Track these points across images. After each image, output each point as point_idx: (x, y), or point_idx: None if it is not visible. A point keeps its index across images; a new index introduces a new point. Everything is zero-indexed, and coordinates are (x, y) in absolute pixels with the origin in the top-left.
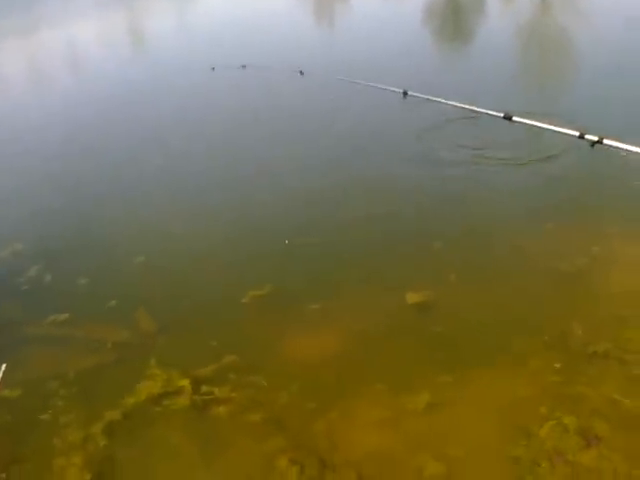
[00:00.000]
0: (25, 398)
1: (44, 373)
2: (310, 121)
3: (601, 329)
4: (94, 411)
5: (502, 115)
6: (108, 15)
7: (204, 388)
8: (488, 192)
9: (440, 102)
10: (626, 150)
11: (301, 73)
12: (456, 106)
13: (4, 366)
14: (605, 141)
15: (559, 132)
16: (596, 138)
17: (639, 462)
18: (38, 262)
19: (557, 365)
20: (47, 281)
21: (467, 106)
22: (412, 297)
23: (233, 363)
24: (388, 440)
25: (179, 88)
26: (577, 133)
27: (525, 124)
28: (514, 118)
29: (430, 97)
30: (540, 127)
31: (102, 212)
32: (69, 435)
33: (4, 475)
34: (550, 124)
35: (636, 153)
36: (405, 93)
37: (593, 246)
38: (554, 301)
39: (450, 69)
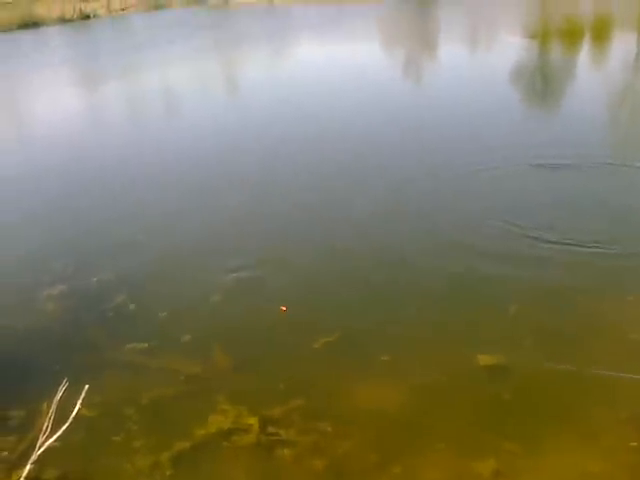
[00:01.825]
0: (101, 419)
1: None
2: None
3: None
4: (164, 439)
5: None
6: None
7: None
8: None
9: None
10: None
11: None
12: None
13: (87, 387)
14: None
15: None
16: None
17: None
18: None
19: (634, 444)
20: None
21: None
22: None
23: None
24: None
25: None
26: None
27: None
28: None
29: None
30: None
31: None
32: (138, 460)
33: None
34: None
35: None
36: None
37: None
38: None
39: None
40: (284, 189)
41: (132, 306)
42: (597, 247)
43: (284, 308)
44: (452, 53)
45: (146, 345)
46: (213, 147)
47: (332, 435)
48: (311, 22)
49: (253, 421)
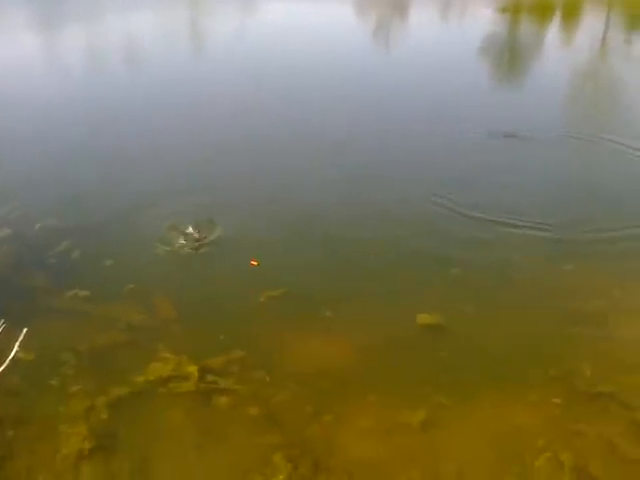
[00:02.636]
0: (38, 363)
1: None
2: None
3: (609, 372)
4: (102, 385)
5: None
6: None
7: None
8: None
9: None
10: None
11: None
12: None
13: (25, 330)
14: None
15: None
16: None
17: None
18: None
19: (557, 400)
20: None
21: None
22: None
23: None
24: (381, 451)
25: None
26: None
27: None
28: None
29: None
30: None
31: None
32: (74, 404)
33: (12, 433)
34: None
35: None
36: None
37: None
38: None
39: None
40: (231, 153)
41: (76, 253)
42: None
43: (255, 263)
44: (423, 23)
45: (88, 293)
46: (169, 99)
47: (270, 385)
48: None
49: (193, 369)
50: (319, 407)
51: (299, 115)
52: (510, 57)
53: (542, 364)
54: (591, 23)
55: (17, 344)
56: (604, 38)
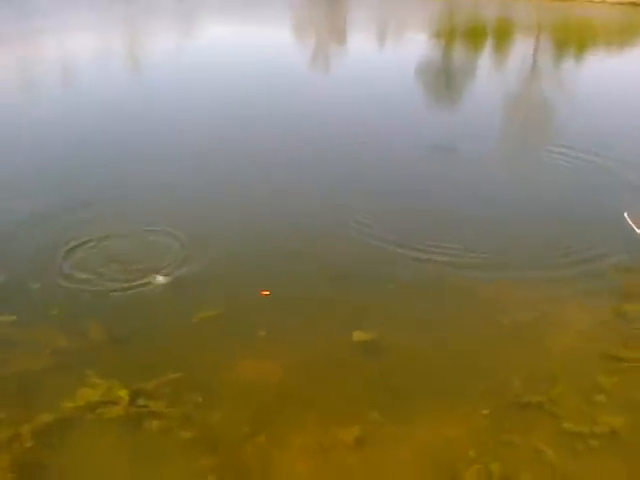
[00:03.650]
0: None
1: None
2: None
3: (537, 383)
4: (27, 412)
5: None
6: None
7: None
8: None
9: None
10: None
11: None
12: None
13: None
14: None
15: None
16: None
17: None
18: None
19: (485, 412)
20: None
21: None
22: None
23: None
24: (316, 470)
25: None
26: None
27: None
28: None
29: None
30: None
31: None
32: None
33: None
34: None
35: None
36: None
37: None
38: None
39: None
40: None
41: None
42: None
43: (266, 292)
44: (360, 48)
45: (14, 317)
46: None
47: (203, 406)
48: (223, 3)
49: (123, 394)
50: (254, 427)
51: (232, 139)
52: (446, 80)
53: (473, 377)
54: (521, 48)
55: None
56: (534, 62)
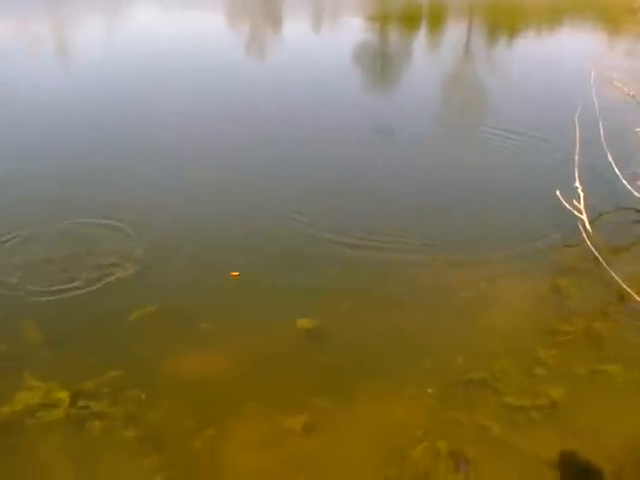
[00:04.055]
0: None
1: None
2: None
3: (479, 359)
4: None
5: None
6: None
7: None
8: None
9: None
10: None
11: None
12: None
13: None
14: None
15: None
16: None
17: None
18: None
19: (430, 390)
20: None
21: None
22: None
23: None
24: (267, 460)
25: None
26: None
27: None
28: None
29: None
30: None
31: None
32: None
33: None
34: None
35: None
36: None
37: None
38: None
39: None
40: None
41: None
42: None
43: (235, 274)
44: (296, 32)
45: None
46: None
47: (146, 404)
48: None
49: (63, 395)
50: (200, 422)
51: (166, 127)
52: (382, 63)
53: (417, 357)
54: (455, 31)
55: None
56: (467, 44)
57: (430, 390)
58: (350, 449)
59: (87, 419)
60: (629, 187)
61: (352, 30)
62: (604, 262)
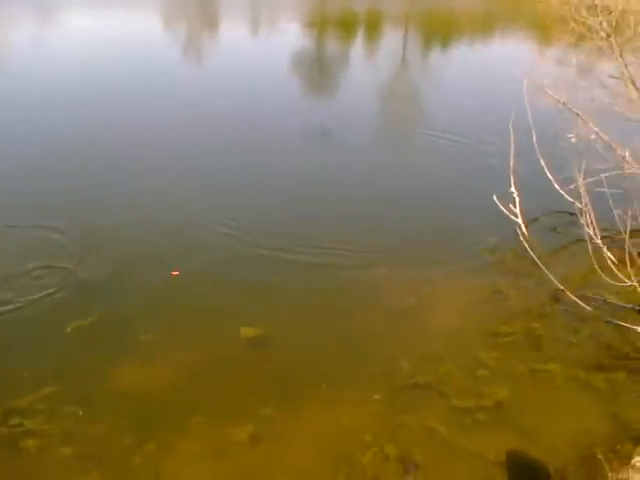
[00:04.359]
0: None
1: None
2: None
3: (424, 363)
4: None
5: None
6: None
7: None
8: None
9: None
10: None
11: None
12: None
13: None
14: None
15: None
16: None
17: None
18: None
19: (377, 396)
20: None
21: None
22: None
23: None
24: (212, 473)
25: None
26: None
27: None
28: None
29: None
30: None
31: None
32: None
33: None
34: None
35: None
36: None
37: None
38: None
39: None
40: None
41: None
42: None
43: (176, 273)
44: (233, 37)
45: None
46: None
47: (83, 420)
48: None
49: None
50: (140, 437)
51: (96, 136)
52: (319, 69)
53: (362, 363)
54: (392, 38)
55: None
56: (403, 52)
57: (377, 396)
58: (298, 458)
59: (21, 438)
60: (561, 192)
61: (289, 36)
62: (540, 264)
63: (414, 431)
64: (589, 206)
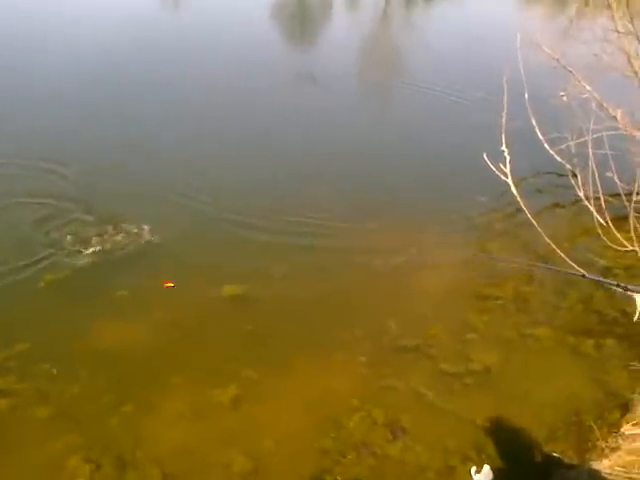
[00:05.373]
0: None
1: None
2: None
3: (412, 325)
4: None
5: None
6: None
7: None
8: None
9: None
10: None
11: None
12: None
13: None
14: None
15: None
16: None
17: (440, 452)
18: None
19: (363, 358)
20: None
21: None
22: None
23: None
24: (194, 435)
25: None
26: None
27: None
28: None
29: None
30: None
31: None
32: None
33: None
34: None
35: None
36: None
37: None
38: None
39: None
40: None
41: None
42: None
43: (170, 284)
44: None
45: None
46: None
47: (58, 379)
48: None
49: None
50: (118, 397)
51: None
52: (301, 20)
53: (349, 325)
54: None
55: None
56: (385, 3)
57: (364, 358)
58: (283, 421)
59: None
60: (551, 152)
61: None
62: (535, 223)
63: (401, 395)
64: (579, 168)
